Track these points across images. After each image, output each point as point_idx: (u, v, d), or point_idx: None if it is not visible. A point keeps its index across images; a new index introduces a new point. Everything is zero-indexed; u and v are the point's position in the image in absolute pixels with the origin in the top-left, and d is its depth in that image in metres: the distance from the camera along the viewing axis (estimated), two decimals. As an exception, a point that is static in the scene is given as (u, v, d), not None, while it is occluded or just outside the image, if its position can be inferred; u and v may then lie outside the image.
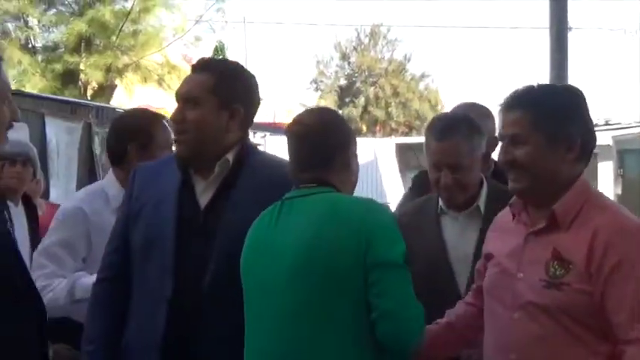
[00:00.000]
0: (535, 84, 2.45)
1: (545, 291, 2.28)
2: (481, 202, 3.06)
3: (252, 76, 2.86)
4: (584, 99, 2.44)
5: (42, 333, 2.32)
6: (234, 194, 2.72)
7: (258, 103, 2.86)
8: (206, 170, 2.76)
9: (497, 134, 2.63)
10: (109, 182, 3.53)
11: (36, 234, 5.33)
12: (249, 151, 2.83)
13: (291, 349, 2.40)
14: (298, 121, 2.64)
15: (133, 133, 3.43)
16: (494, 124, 3.59)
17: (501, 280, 2.44)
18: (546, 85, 2.50)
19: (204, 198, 2.75)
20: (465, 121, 3.05)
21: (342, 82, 30.69)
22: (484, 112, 3.60)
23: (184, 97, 2.74)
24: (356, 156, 2.66)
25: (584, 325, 2.26)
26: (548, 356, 2.30)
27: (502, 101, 2.46)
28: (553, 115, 2.35)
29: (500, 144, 2.48)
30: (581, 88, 2.50)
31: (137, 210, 2.82)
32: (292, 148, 2.61)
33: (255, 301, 2.50)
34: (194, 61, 2.91)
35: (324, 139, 2.55)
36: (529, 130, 2.35)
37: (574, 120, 2.38)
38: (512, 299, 2.37)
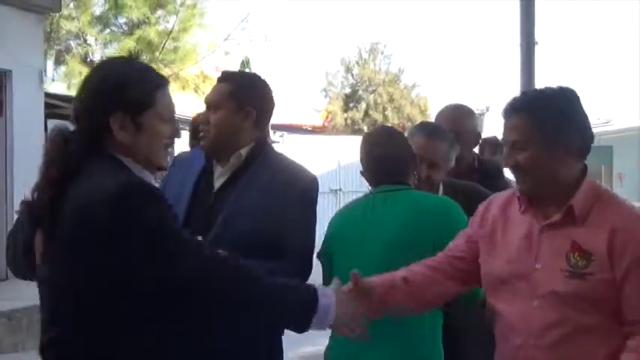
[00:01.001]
0: (532, 90, 2.28)
1: (569, 280, 2.08)
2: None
3: (266, 85, 2.89)
4: (579, 98, 2.21)
5: None
6: (241, 182, 2.74)
7: (272, 107, 2.88)
8: (225, 161, 2.79)
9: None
10: None
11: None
12: (263, 149, 2.84)
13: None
14: (380, 143, 2.80)
15: None
16: (476, 121, 3.62)
17: (517, 270, 2.20)
18: (543, 90, 2.25)
19: (218, 182, 2.79)
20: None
21: (347, 90, 30.63)
22: (467, 111, 3.61)
23: (208, 103, 2.82)
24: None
25: (602, 313, 2.09)
26: (565, 342, 2.10)
27: (503, 108, 2.24)
28: (551, 120, 2.14)
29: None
30: None
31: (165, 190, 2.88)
32: (376, 162, 2.78)
33: (345, 264, 2.53)
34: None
35: (403, 155, 2.76)
36: (528, 136, 2.15)
37: (571, 122, 2.17)
38: (531, 288, 2.16)
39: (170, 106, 2.04)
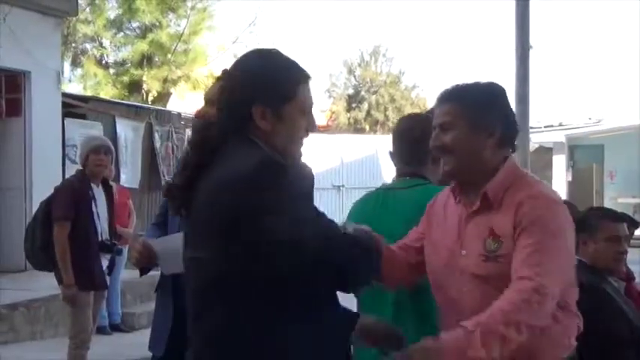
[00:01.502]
0: (462, 82, 2.31)
1: (485, 264, 2.13)
2: None
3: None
4: (504, 93, 2.31)
5: None
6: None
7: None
8: None
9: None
10: None
11: (112, 210, 5.44)
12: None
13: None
14: (402, 126, 2.83)
15: None
16: None
17: (449, 259, 2.24)
18: (472, 83, 2.31)
19: None
20: None
21: (350, 91, 30.55)
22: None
23: (207, 99, 2.83)
24: None
25: None
26: None
27: (436, 97, 2.33)
28: (474, 106, 2.21)
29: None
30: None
31: None
32: (395, 147, 2.80)
33: None
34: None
35: (420, 142, 2.62)
36: (454, 118, 2.22)
37: (493, 110, 2.23)
38: (459, 274, 2.19)
39: (310, 100, 2.00)
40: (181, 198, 1.91)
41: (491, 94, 2.27)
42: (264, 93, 1.91)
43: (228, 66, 2.05)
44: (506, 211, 2.13)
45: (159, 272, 3.12)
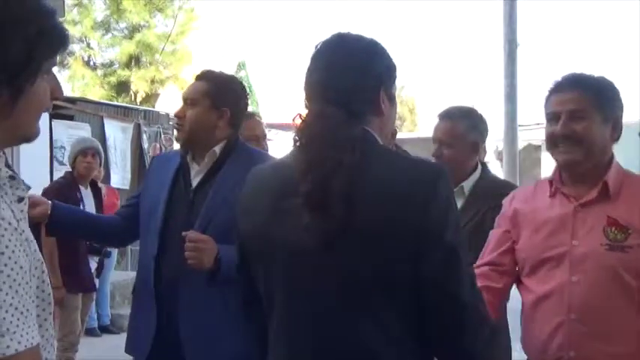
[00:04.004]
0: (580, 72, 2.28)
1: (610, 253, 2.11)
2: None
3: (242, 86, 2.94)
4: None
5: None
6: (218, 178, 2.77)
7: (245, 108, 2.93)
8: (200, 157, 2.83)
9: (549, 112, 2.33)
10: None
11: (100, 211, 5.43)
12: (235, 146, 2.86)
13: None
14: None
15: None
16: None
17: (552, 249, 2.21)
18: (590, 74, 2.29)
19: (195, 180, 2.81)
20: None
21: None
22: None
23: (185, 98, 2.84)
24: None
25: None
26: (606, 313, 2.12)
27: (555, 83, 2.27)
28: (607, 98, 2.22)
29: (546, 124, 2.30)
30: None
31: (146, 189, 2.95)
32: None
33: None
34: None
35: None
36: (589, 107, 2.19)
37: (619, 104, 2.26)
38: (569, 264, 2.16)
39: None
40: (328, 204, 1.61)
41: (614, 88, 2.28)
42: (388, 78, 1.79)
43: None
44: (630, 203, 2.16)
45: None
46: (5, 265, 1.12)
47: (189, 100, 2.81)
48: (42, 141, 9.47)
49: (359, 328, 1.61)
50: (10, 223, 1.16)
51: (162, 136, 12.14)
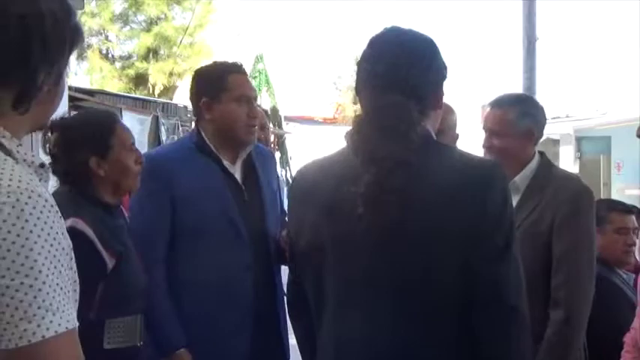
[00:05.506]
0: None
1: None
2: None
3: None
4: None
5: None
6: (259, 174, 2.80)
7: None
8: (233, 157, 2.76)
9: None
10: None
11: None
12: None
13: None
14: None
15: None
16: (456, 118, 3.49)
17: None
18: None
19: (237, 175, 2.76)
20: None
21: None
22: (449, 109, 3.53)
23: (250, 97, 2.76)
24: None
25: None
26: None
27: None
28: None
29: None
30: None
31: (183, 196, 2.63)
32: None
33: None
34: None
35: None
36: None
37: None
38: None
39: None
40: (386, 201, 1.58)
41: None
42: (445, 71, 1.82)
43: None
44: None
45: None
46: (51, 245, 1.14)
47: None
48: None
49: (407, 328, 1.60)
50: (52, 205, 1.18)
51: (180, 128, 12.18)
